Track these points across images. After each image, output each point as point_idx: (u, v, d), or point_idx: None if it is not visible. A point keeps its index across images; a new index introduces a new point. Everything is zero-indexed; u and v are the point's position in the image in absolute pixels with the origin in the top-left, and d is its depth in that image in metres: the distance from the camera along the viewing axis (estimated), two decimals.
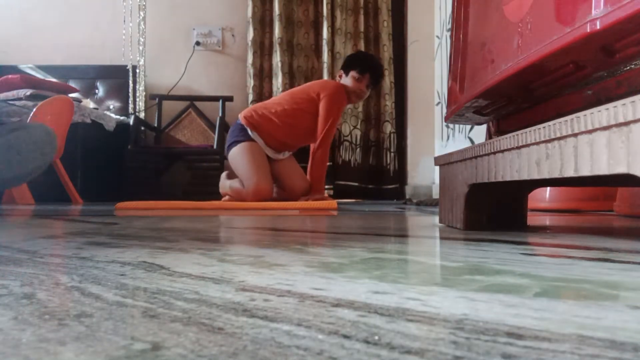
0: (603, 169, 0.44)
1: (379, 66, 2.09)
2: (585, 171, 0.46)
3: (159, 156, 2.68)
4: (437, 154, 2.77)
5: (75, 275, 0.37)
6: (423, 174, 2.97)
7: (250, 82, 2.94)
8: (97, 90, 3.05)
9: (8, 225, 0.90)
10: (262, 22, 3.00)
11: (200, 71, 3.08)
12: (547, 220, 1.16)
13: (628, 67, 0.50)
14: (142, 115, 2.95)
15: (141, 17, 2.98)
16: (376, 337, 0.22)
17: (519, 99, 0.71)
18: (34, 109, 2.08)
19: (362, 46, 2.97)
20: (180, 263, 0.44)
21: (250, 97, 2.94)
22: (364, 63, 2.02)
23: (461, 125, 2.34)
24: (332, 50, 2.93)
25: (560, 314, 0.26)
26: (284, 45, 2.92)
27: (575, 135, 0.48)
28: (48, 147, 1.42)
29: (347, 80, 2.02)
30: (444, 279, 0.37)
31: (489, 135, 0.92)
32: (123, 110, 2.99)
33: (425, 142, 2.95)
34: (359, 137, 2.99)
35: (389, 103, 2.97)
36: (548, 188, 1.61)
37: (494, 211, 0.85)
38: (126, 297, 0.30)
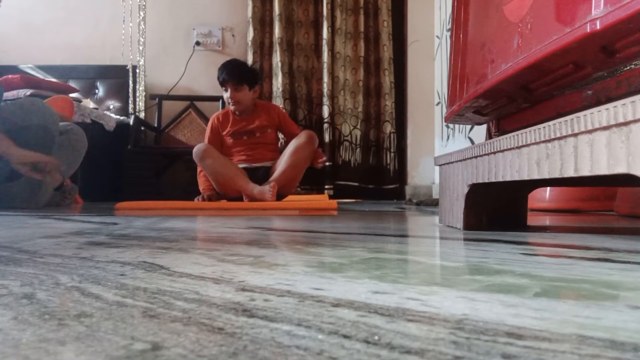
0: (603, 169, 0.44)
1: (223, 67, 2.05)
2: (585, 171, 0.46)
3: (159, 156, 2.68)
4: (437, 154, 2.78)
5: (75, 275, 0.37)
6: (423, 174, 2.97)
7: None
8: (97, 90, 3.05)
9: (8, 225, 0.90)
10: (262, 22, 3.00)
11: (200, 71, 3.08)
12: (547, 220, 1.16)
13: (628, 67, 0.50)
14: (142, 115, 2.95)
15: (141, 17, 2.98)
16: (376, 337, 0.22)
17: (519, 99, 0.71)
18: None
19: (362, 46, 2.97)
20: (180, 263, 0.44)
21: None
22: (218, 75, 2.03)
23: (461, 125, 2.34)
24: (332, 50, 2.93)
25: (560, 314, 0.26)
26: (284, 45, 2.92)
27: (575, 135, 0.48)
28: (84, 143, 1.87)
29: None
30: (444, 279, 0.37)
31: (489, 135, 0.92)
32: (123, 110, 2.99)
33: (425, 142, 2.95)
34: (359, 137, 2.99)
35: (389, 103, 2.97)
36: (548, 188, 1.61)
37: (494, 211, 0.85)
38: (126, 297, 0.30)
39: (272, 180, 1.85)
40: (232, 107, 2.03)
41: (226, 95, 2.00)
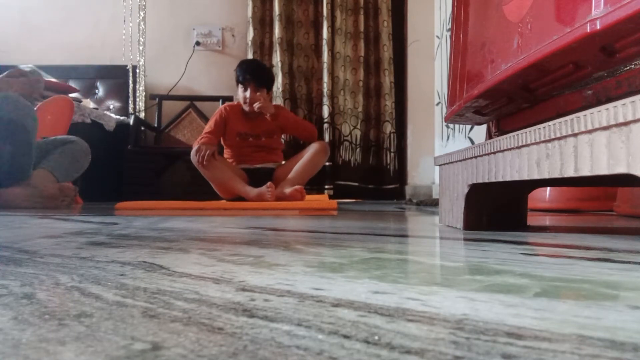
0: (603, 169, 0.44)
1: (246, 65, 2.02)
2: (585, 171, 0.46)
3: (159, 156, 2.68)
4: (437, 154, 2.77)
5: (75, 275, 0.37)
6: (423, 174, 2.97)
7: None
8: (97, 90, 3.05)
9: (8, 225, 0.90)
10: (262, 22, 3.00)
11: (200, 71, 3.08)
12: (547, 220, 1.16)
13: (628, 67, 0.50)
14: (142, 115, 2.95)
15: (141, 17, 2.98)
16: (376, 337, 0.22)
17: (519, 99, 0.71)
18: (34, 109, 2.08)
19: (362, 46, 2.97)
20: (180, 263, 0.44)
21: None
22: (238, 73, 2.01)
23: (461, 125, 2.34)
24: (332, 50, 2.93)
25: (560, 314, 0.26)
26: (284, 45, 2.92)
27: (575, 135, 0.48)
28: (87, 157, 1.96)
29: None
30: (444, 279, 0.37)
31: (489, 135, 0.92)
32: (123, 110, 2.99)
33: (425, 142, 2.95)
34: (359, 137, 2.99)
35: (389, 103, 2.97)
36: (548, 188, 1.61)
37: (494, 211, 0.85)
38: (126, 297, 0.30)
39: (295, 183, 1.90)
40: (246, 108, 2.01)
41: (243, 94, 1.99)
